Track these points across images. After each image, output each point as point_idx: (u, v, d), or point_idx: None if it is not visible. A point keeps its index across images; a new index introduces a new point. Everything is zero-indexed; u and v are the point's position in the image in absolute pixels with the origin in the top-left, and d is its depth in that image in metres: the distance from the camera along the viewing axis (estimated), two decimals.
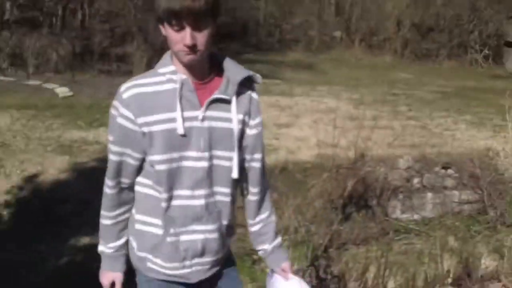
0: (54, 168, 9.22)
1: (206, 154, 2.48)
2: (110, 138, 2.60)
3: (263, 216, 2.88)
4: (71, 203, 8.37)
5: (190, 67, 2.44)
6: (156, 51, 16.51)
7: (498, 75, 22.82)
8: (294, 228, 7.70)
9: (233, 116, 2.53)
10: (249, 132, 2.66)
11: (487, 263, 8.22)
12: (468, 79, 21.25)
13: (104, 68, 16.91)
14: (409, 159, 9.71)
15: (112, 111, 2.54)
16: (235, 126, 2.54)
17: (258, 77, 2.70)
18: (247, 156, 2.70)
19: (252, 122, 2.66)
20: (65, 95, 13.80)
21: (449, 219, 9.21)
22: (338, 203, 8.33)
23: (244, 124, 2.60)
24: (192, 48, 2.33)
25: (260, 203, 2.84)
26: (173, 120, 2.41)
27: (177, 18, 2.29)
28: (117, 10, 19.33)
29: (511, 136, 10.94)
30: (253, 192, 2.78)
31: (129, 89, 2.45)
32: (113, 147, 2.60)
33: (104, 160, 8.62)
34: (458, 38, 25.68)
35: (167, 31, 2.36)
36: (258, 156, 2.75)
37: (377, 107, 11.07)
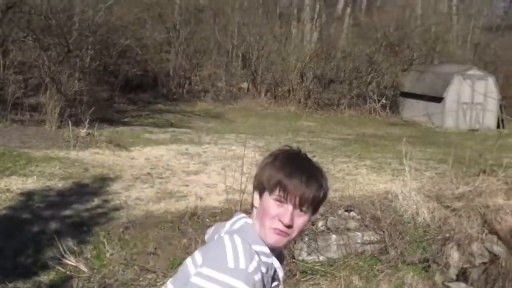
0: None
1: None
2: None
3: None
4: None
5: (273, 249, 2.31)
6: (69, 101, 16.51)
7: (394, 122, 23.74)
8: None
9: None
10: None
11: None
12: (367, 127, 21.98)
13: (17, 117, 16.69)
14: None
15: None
16: None
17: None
18: None
19: None
20: None
21: (353, 259, 9.43)
22: None
23: None
24: (287, 229, 2.26)
25: None
26: None
27: (285, 191, 2.25)
28: (31, 61, 19.17)
29: (409, 179, 11.43)
30: None
31: (257, 269, 2.17)
32: None
33: (14, 209, 8.59)
34: (357, 89, 26.60)
35: (266, 200, 2.29)
36: None
37: None
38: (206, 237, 2.49)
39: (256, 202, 2.36)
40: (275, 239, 2.27)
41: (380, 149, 16.92)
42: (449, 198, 11.00)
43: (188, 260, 2.31)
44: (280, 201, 2.26)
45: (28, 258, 8.27)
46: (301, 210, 2.27)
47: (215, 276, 2.11)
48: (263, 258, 2.24)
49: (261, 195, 2.33)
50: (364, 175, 13.33)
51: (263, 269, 2.22)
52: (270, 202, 2.27)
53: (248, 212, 2.45)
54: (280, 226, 2.25)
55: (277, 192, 2.25)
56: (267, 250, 2.27)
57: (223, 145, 15.52)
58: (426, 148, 17.17)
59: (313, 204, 2.29)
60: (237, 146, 15.12)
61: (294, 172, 2.27)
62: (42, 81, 17.84)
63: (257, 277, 2.15)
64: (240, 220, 2.38)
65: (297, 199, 2.24)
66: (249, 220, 2.37)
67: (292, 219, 2.25)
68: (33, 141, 13.97)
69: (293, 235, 2.29)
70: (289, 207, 2.25)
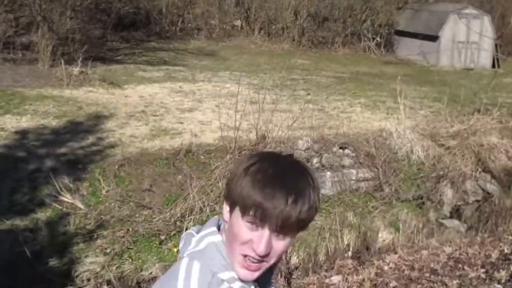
0: None
1: None
2: None
3: None
4: None
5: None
6: (61, 40, 16.31)
7: (389, 61, 23.56)
8: (199, 208, 7.86)
9: None
10: None
11: (384, 236, 8.59)
12: (362, 65, 21.84)
13: (9, 56, 16.51)
14: (308, 140, 9.97)
15: None
16: None
17: None
18: None
19: None
20: None
21: (348, 196, 9.50)
22: None
23: None
24: (262, 258, 1.82)
25: None
26: None
27: (261, 215, 1.77)
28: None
29: (403, 117, 11.43)
30: None
31: None
32: None
33: (9, 147, 8.56)
34: (351, 27, 26.27)
35: (236, 221, 1.82)
36: None
37: (277, 92, 11.32)
38: (180, 246, 2.03)
39: (226, 216, 1.88)
40: (243, 273, 1.84)
41: (374, 88, 16.86)
42: (443, 137, 11.03)
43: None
44: (255, 224, 1.78)
45: (25, 196, 8.29)
46: (283, 234, 1.81)
47: None
48: (237, 285, 1.85)
49: (231, 210, 1.84)
50: (358, 113, 13.33)
51: None
52: (242, 224, 1.79)
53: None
54: (253, 254, 1.79)
55: (252, 214, 1.76)
56: (233, 274, 1.86)
57: (217, 83, 15.44)
58: (420, 87, 17.11)
59: (300, 226, 1.83)
60: (231, 84, 15.04)
61: (279, 191, 1.76)
62: (33, 19, 17.58)
63: None
64: (207, 238, 1.91)
65: (279, 223, 1.76)
66: (217, 238, 1.90)
67: (268, 246, 1.79)
68: (26, 80, 13.86)
69: (270, 262, 1.85)
70: (265, 232, 1.78)
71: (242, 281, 1.84)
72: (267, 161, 1.86)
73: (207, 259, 1.85)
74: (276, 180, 1.77)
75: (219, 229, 1.96)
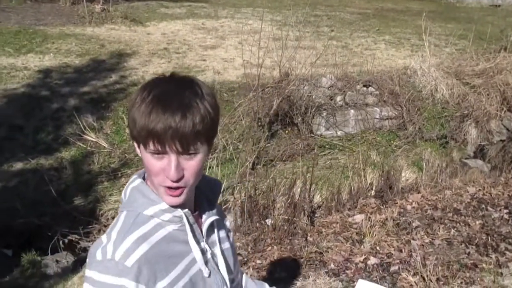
0: None
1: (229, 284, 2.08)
2: None
3: None
4: (3, 129, 8.30)
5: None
6: None
7: None
8: (222, 146, 7.86)
9: (226, 232, 2.23)
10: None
11: (407, 175, 8.58)
12: (386, 1, 21.52)
13: None
14: (332, 78, 9.88)
15: None
16: (232, 241, 2.26)
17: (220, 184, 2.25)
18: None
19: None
20: None
21: (371, 134, 9.44)
22: (264, 121, 8.49)
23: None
24: (177, 183, 1.83)
25: None
26: (190, 267, 1.94)
27: (159, 142, 1.77)
28: None
29: (428, 55, 11.27)
30: None
31: (129, 252, 1.78)
32: None
33: (33, 86, 8.61)
34: None
35: (143, 155, 1.85)
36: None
37: (300, 28, 11.16)
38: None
39: (138, 153, 1.89)
40: (169, 200, 1.86)
41: (399, 24, 16.62)
42: (468, 75, 10.87)
43: None
44: (157, 152, 1.79)
45: (49, 135, 8.35)
46: (188, 154, 1.81)
47: (87, 274, 1.80)
48: (166, 216, 1.88)
49: (138, 147, 1.87)
50: (382, 50, 13.17)
51: (174, 226, 1.89)
52: (148, 156, 1.82)
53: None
54: (169, 183, 1.81)
55: (151, 145, 1.78)
56: (165, 205, 1.88)
57: (239, 19, 15.29)
58: (446, 24, 16.82)
59: (203, 137, 1.81)
60: (254, 20, 14.89)
61: (163, 113, 1.74)
62: None
63: (137, 255, 1.77)
64: (129, 188, 1.96)
65: (177, 143, 1.76)
66: (136, 182, 1.95)
67: (179, 170, 1.80)
68: (48, 18, 13.81)
69: (190, 183, 1.86)
70: (171, 157, 1.79)
71: (172, 212, 1.88)
72: (147, 89, 1.83)
73: (131, 204, 1.89)
74: (159, 104, 1.76)
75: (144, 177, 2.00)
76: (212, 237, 2.04)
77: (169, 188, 1.84)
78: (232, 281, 2.11)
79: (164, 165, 1.80)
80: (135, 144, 1.88)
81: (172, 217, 1.88)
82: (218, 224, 2.12)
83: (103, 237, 1.83)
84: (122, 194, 1.97)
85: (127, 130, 8.57)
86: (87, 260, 1.81)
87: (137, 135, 1.80)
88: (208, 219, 2.02)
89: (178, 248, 1.89)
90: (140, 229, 1.82)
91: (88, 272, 1.77)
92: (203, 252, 1.98)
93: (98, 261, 1.76)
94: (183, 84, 1.85)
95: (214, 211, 2.09)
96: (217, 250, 2.05)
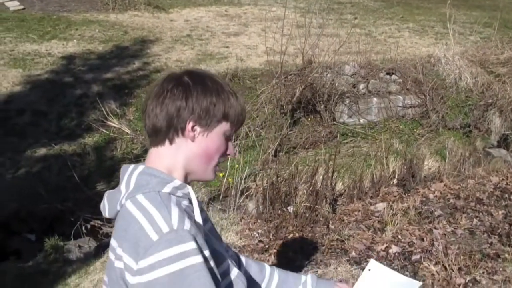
0: (8, 81, 9.16)
1: None
2: None
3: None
4: (27, 115, 8.37)
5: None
6: None
7: None
8: (245, 133, 7.86)
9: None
10: None
11: (430, 164, 8.54)
12: None
13: None
14: (355, 66, 9.84)
15: (194, 260, 1.74)
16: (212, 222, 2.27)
17: None
18: None
19: None
20: (16, 8, 13.48)
21: (394, 122, 9.41)
22: (287, 109, 8.49)
23: None
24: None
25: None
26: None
27: (240, 125, 2.01)
28: None
29: (452, 43, 11.18)
30: None
31: (182, 217, 1.79)
32: None
33: (56, 72, 8.65)
34: None
35: (212, 138, 1.95)
36: None
37: (323, 16, 11.12)
38: (106, 213, 1.99)
39: (190, 136, 1.92)
40: (214, 176, 2.03)
41: (423, 12, 16.48)
42: (493, 64, 10.77)
43: (111, 255, 1.90)
44: (229, 135, 1.98)
45: (72, 121, 8.41)
46: None
47: (151, 262, 1.71)
48: (180, 193, 1.91)
49: (204, 129, 1.93)
50: (406, 38, 13.09)
51: (185, 202, 1.91)
52: (221, 138, 1.96)
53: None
54: (222, 159, 2.01)
55: (233, 128, 1.97)
56: (178, 182, 1.92)
57: (263, 6, 15.26)
58: (471, 11, 16.66)
59: None
60: (277, 7, 14.87)
61: (230, 96, 1.94)
62: None
63: (188, 220, 1.79)
64: (132, 175, 1.93)
65: (238, 127, 2.01)
66: (140, 168, 1.93)
67: None
68: (72, 5, 13.87)
69: None
70: (232, 135, 2.02)
71: (182, 189, 1.92)
72: (200, 74, 1.99)
73: (145, 187, 1.87)
74: (222, 85, 1.96)
75: None
76: (203, 214, 2.02)
77: (217, 164, 2.01)
78: None
79: (229, 144, 2.00)
80: (196, 127, 1.92)
81: (182, 194, 1.91)
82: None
83: (142, 223, 1.77)
84: (123, 185, 1.93)
85: None
86: (138, 251, 1.73)
87: (234, 119, 1.96)
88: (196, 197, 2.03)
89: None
90: (172, 202, 1.83)
91: (148, 260, 1.71)
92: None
93: (156, 241, 1.71)
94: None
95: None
96: (207, 227, 2.05)
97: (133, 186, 1.89)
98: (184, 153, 1.95)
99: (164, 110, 1.90)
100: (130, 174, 1.94)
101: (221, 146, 1.97)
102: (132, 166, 1.96)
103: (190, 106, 1.89)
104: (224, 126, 1.95)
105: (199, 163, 1.98)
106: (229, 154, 2.02)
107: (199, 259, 1.73)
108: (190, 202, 1.94)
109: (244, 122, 1.98)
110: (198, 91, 1.91)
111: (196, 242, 1.74)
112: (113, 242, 1.88)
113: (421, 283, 2.52)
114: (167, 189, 1.87)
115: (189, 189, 1.95)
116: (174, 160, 1.95)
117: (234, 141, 7.87)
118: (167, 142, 1.94)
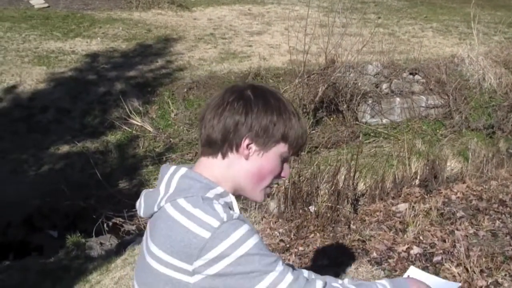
0: (32, 78, 9.24)
1: None
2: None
3: None
4: (51, 112, 8.44)
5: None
6: None
7: None
8: None
9: None
10: None
11: (452, 165, 8.48)
12: None
13: None
14: (378, 65, 9.80)
15: (254, 240, 1.77)
16: None
17: None
18: None
19: None
20: (40, 6, 13.60)
21: (417, 123, 9.37)
22: (309, 108, 8.48)
23: None
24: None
25: None
26: None
27: (301, 148, 1.97)
28: None
29: (476, 43, 11.10)
30: None
31: (227, 210, 1.81)
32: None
33: (80, 70, 8.67)
34: None
35: (268, 158, 1.91)
36: None
37: (347, 15, 11.09)
38: (141, 212, 1.96)
39: (245, 153, 1.89)
40: (267, 193, 1.99)
41: (447, 12, 16.38)
42: None
43: (151, 261, 1.85)
44: (286, 158, 1.94)
45: (95, 118, 8.47)
46: None
47: (211, 256, 1.71)
48: (221, 201, 1.86)
49: (260, 148, 1.89)
50: (430, 38, 13.01)
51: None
52: (277, 159, 1.92)
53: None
54: (276, 181, 1.96)
55: (284, 147, 1.92)
56: (221, 189, 1.90)
57: (286, 5, 15.25)
58: (495, 11, 16.53)
59: None
60: (300, 7, 14.83)
61: (292, 116, 1.91)
62: None
63: (233, 211, 1.84)
64: (173, 178, 1.90)
65: (297, 150, 1.96)
66: (182, 171, 1.89)
67: None
68: (96, 3, 13.95)
69: None
70: (290, 157, 1.97)
71: (225, 197, 1.89)
72: (264, 91, 1.93)
73: (187, 191, 1.84)
74: (286, 106, 1.92)
75: None
76: None
77: (270, 186, 1.97)
78: None
79: (284, 166, 1.96)
80: (251, 145, 1.88)
81: (224, 202, 1.87)
82: None
83: (187, 226, 1.75)
84: (163, 186, 1.90)
85: (172, 115, 8.66)
86: (191, 253, 1.72)
87: (293, 142, 1.92)
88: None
89: None
90: (213, 202, 1.81)
91: (207, 256, 1.71)
92: None
93: (210, 237, 1.71)
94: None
95: None
96: None
97: (174, 188, 1.87)
98: (235, 170, 1.92)
99: (222, 123, 1.86)
100: (171, 176, 1.91)
101: (276, 168, 1.93)
102: (173, 167, 1.93)
103: (248, 122, 1.85)
104: (282, 148, 1.91)
105: (250, 182, 1.95)
106: (283, 177, 1.98)
107: (257, 238, 1.77)
108: None
109: (305, 146, 1.92)
110: (259, 107, 1.86)
111: (249, 224, 1.78)
112: (153, 248, 1.83)
113: (459, 284, 2.52)
114: (209, 194, 1.84)
115: (231, 198, 1.92)
116: (224, 173, 1.92)
117: None
118: (219, 156, 1.91)
